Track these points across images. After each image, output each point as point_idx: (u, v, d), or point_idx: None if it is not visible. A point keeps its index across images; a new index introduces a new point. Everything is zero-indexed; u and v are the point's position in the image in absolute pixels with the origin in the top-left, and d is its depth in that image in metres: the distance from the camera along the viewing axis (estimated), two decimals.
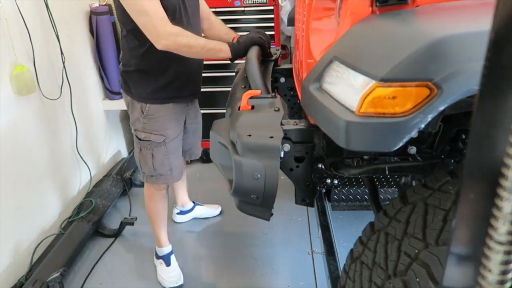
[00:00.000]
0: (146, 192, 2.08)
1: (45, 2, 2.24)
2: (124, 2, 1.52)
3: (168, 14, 1.53)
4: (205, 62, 1.94)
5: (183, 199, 2.53)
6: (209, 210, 2.62)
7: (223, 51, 1.58)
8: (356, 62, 0.83)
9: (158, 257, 2.19)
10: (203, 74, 1.94)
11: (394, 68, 0.74)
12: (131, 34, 1.65)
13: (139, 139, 1.84)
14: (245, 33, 1.72)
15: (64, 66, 2.41)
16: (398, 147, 0.78)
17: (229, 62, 1.68)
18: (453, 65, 0.71)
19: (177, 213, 2.56)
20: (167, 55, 1.56)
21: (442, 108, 0.73)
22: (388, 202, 2.17)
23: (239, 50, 1.59)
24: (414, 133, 0.77)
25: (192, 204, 2.58)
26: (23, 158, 2.13)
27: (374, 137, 0.79)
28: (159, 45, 1.51)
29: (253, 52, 1.53)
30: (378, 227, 1.03)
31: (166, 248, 2.17)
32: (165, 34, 1.49)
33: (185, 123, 1.98)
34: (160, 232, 2.15)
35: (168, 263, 2.15)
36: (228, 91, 1.51)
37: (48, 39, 2.32)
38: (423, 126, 0.75)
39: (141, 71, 1.73)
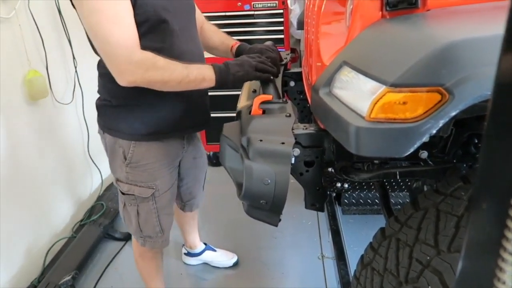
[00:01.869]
0: (135, 247, 1.66)
1: (57, 7, 2.27)
2: (84, 20, 1.22)
3: (151, 25, 1.21)
4: None
5: (193, 241, 2.20)
6: (222, 259, 2.25)
7: (206, 81, 1.22)
8: (366, 67, 0.83)
9: None
10: None
11: (405, 73, 0.73)
12: None
13: (122, 193, 1.47)
14: (254, 38, 1.68)
15: (76, 71, 2.44)
16: (409, 152, 0.77)
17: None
18: (464, 70, 0.70)
19: (185, 253, 2.27)
20: None
21: (453, 113, 0.72)
22: (399, 206, 2.15)
23: (226, 80, 1.23)
24: (425, 139, 0.76)
25: (202, 247, 2.25)
26: (35, 161, 2.16)
27: (385, 143, 0.78)
28: (123, 82, 1.16)
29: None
30: (389, 233, 1.02)
31: None
32: (130, 68, 1.12)
33: (180, 167, 1.60)
34: None
35: None
36: (237, 95, 1.51)
37: (60, 44, 2.35)
38: (434, 131, 0.74)
39: (126, 102, 1.34)
